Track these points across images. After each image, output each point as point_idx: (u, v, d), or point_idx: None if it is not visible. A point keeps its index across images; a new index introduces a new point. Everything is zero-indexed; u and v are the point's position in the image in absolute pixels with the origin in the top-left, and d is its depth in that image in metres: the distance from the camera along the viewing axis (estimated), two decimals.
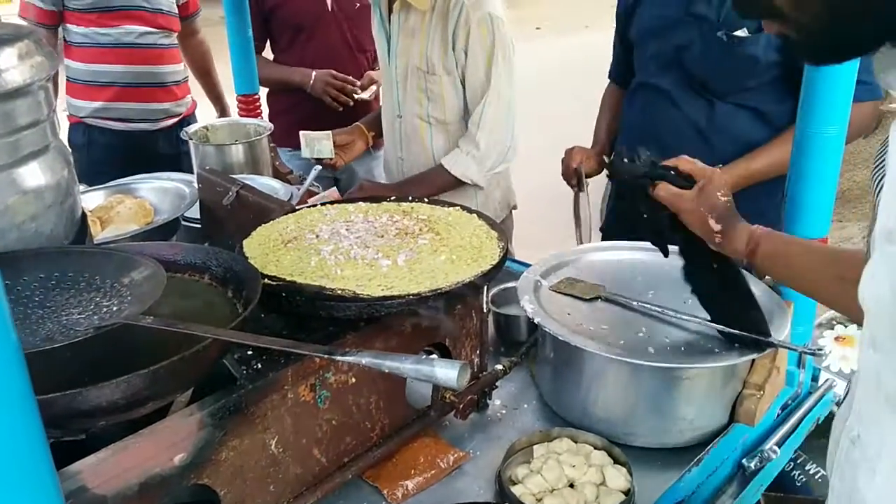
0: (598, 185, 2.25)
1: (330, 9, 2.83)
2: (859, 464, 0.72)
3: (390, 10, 2.22)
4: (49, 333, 0.89)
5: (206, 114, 3.36)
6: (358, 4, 2.87)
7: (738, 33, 1.79)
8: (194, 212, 1.80)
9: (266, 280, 1.14)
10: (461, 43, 2.11)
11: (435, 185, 2.21)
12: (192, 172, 2.12)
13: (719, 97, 1.88)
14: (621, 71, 2.24)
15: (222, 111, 3.36)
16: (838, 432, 0.82)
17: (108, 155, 2.86)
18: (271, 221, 1.44)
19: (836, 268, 1.12)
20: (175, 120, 3.03)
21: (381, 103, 2.48)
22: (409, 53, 2.20)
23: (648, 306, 1.41)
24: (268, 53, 2.98)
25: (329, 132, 2.36)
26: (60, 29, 2.87)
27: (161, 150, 2.98)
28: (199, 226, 1.80)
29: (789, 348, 1.34)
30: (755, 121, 1.88)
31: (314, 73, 2.77)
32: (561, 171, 2.18)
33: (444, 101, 2.20)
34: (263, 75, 2.77)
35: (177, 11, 3.00)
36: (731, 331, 1.29)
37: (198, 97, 3.28)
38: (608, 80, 2.36)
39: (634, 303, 1.42)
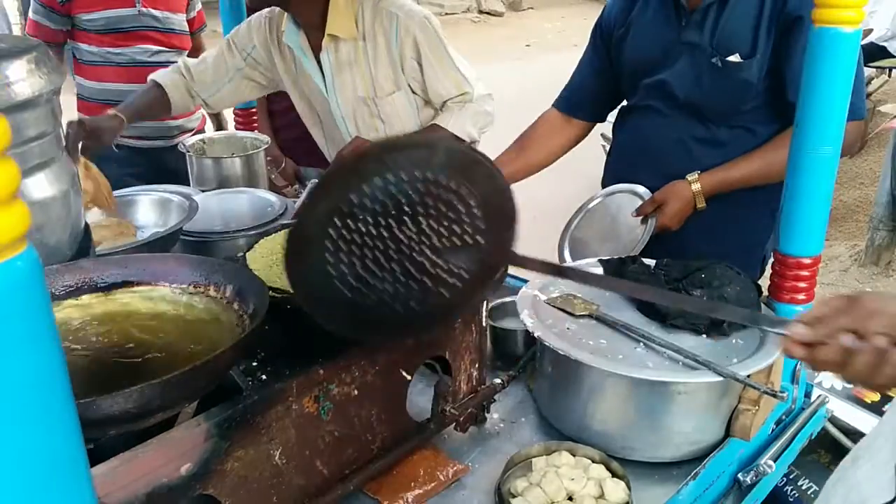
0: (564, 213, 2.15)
1: None
2: None
3: (314, 49, 2.14)
4: None
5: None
6: None
7: (732, 58, 1.81)
8: (193, 225, 1.80)
9: (272, 293, 1.15)
10: (410, 53, 2.06)
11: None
12: None
13: (713, 121, 1.90)
14: (588, 101, 2.17)
15: (219, 125, 3.33)
16: None
17: (123, 170, 2.72)
18: (273, 234, 1.45)
19: None
20: (189, 135, 2.99)
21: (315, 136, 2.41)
22: (350, 86, 2.14)
23: (632, 328, 1.40)
24: None
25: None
26: (69, 47, 2.87)
27: (174, 165, 2.87)
28: (198, 239, 1.81)
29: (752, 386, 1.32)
30: (747, 139, 1.90)
31: (285, 163, 2.71)
32: None
33: (399, 118, 2.17)
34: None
35: (187, 29, 3.00)
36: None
37: None
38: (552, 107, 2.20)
39: (619, 325, 1.41)
